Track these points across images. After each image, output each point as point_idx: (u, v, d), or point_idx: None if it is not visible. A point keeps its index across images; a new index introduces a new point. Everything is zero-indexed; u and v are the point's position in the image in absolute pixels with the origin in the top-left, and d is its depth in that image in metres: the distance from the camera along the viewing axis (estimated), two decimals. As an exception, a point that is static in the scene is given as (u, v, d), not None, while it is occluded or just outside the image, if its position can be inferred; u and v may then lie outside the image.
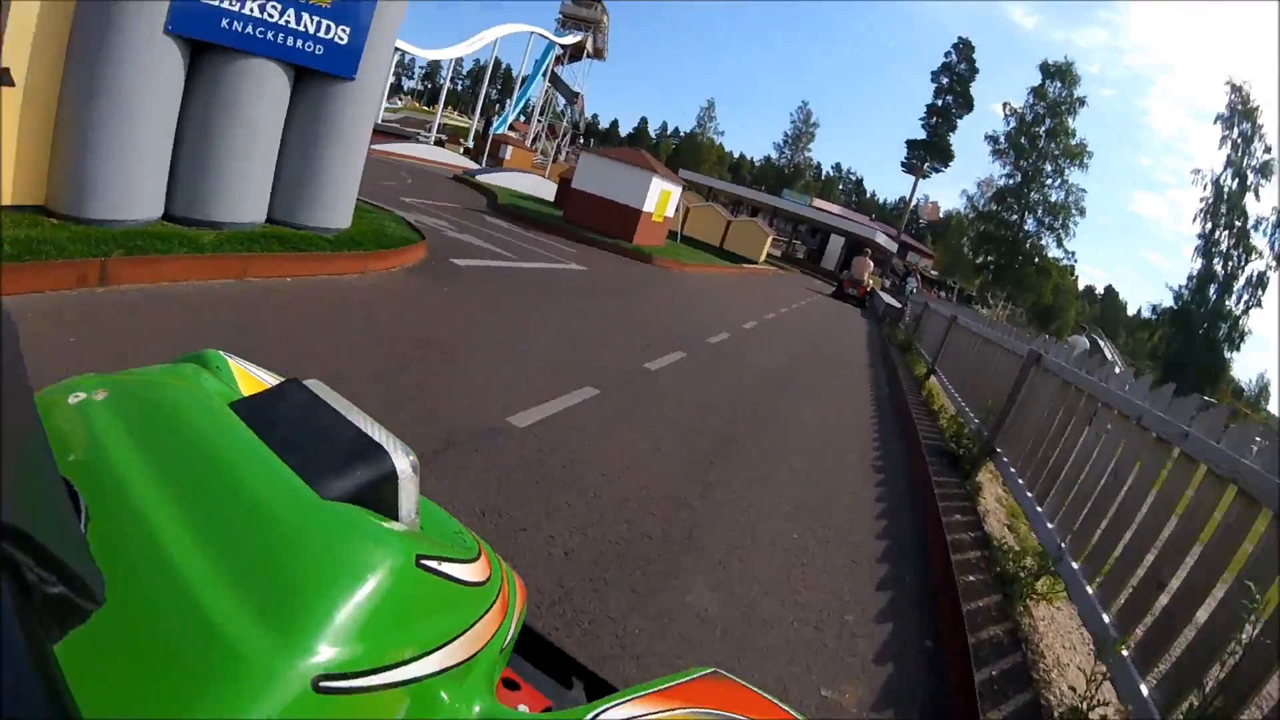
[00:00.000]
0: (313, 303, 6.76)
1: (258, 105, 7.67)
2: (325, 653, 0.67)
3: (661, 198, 22.99)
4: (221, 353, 1.23)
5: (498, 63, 79.24)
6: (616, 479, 4.70)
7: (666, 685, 1.00)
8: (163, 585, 0.69)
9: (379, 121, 40.32)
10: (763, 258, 42.43)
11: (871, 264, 38.52)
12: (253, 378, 1.22)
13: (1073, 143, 56.10)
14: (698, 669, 1.07)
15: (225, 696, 0.61)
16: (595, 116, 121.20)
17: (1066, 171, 56.42)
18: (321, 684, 0.66)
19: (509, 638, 1.07)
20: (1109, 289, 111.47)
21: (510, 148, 41.57)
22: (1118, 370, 6.08)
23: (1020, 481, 6.21)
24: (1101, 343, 51.57)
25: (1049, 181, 56.89)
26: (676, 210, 27.79)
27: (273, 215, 8.48)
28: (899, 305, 26.98)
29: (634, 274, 16.73)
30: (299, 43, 7.72)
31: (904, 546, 5.27)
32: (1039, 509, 5.48)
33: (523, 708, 1.22)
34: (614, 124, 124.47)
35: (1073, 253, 57.86)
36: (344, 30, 8.08)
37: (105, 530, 0.74)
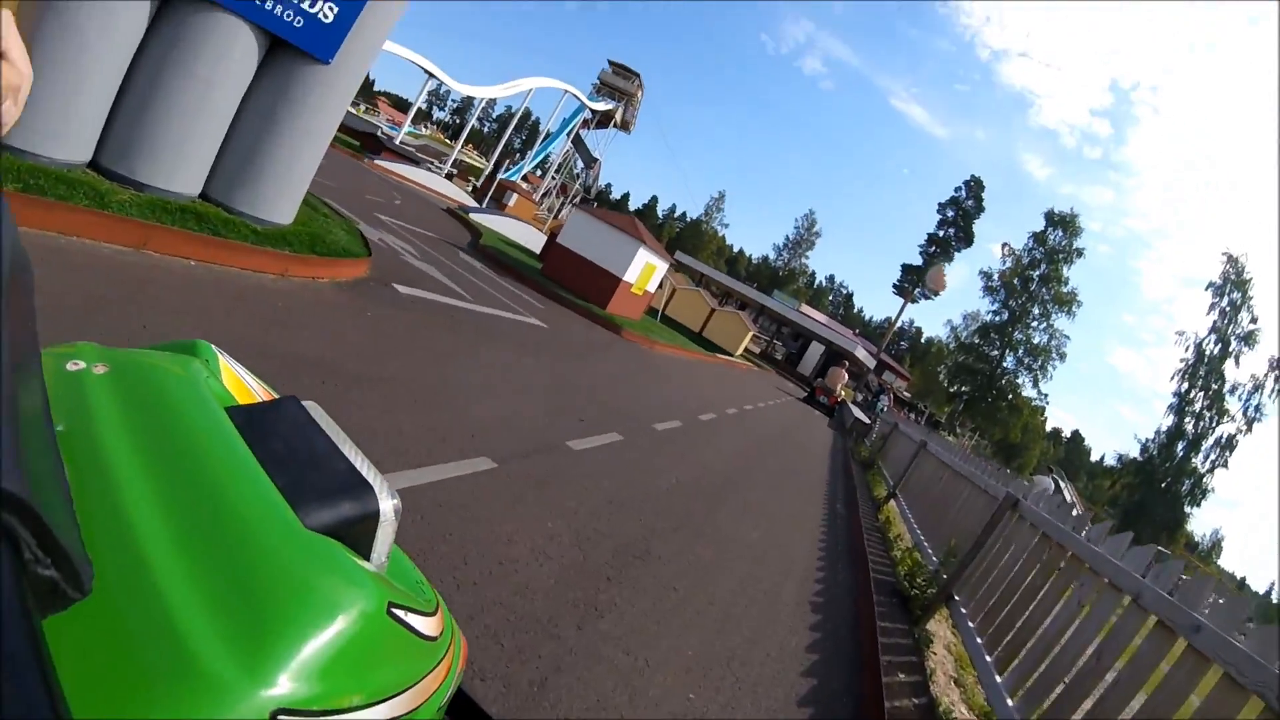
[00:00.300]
0: (201, 293, 5.66)
1: (218, 66, 6.86)
2: (288, 686, 0.63)
3: (645, 270, 21.68)
4: (213, 346, 1.15)
5: (527, 113, 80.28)
6: (473, 585, 3.47)
7: None
8: (134, 581, 0.65)
9: (398, 143, 40.24)
10: (739, 351, 41.70)
11: (846, 376, 38.63)
12: (238, 379, 1.14)
13: (1064, 290, 56.97)
14: None
15: (183, 712, 0.58)
16: (609, 185, 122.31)
17: (1053, 316, 57.14)
18: (279, 718, 0.62)
19: (447, 697, 0.99)
20: (1075, 433, 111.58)
21: (516, 195, 40.93)
22: (1076, 513, 5.48)
23: (979, 641, 5.25)
24: (1063, 484, 51.43)
25: (1034, 324, 57.49)
26: (660, 287, 27.06)
27: (208, 193, 7.56)
28: (867, 420, 26.22)
29: (596, 341, 15.43)
30: (279, 8, 6.97)
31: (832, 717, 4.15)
32: (998, 678, 4.62)
33: None
34: (625, 196, 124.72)
35: (1046, 395, 58.02)
36: (331, 7, 7.28)
37: (82, 513, 0.64)
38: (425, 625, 0.90)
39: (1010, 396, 57.32)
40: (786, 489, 10.60)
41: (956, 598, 6.19)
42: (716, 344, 39.03)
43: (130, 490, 0.73)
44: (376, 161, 30.50)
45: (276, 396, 1.09)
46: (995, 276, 59.13)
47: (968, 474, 8.27)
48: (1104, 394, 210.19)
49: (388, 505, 0.91)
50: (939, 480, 9.82)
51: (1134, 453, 52.63)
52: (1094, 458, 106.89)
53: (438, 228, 20.35)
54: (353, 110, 48.22)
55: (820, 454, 16.85)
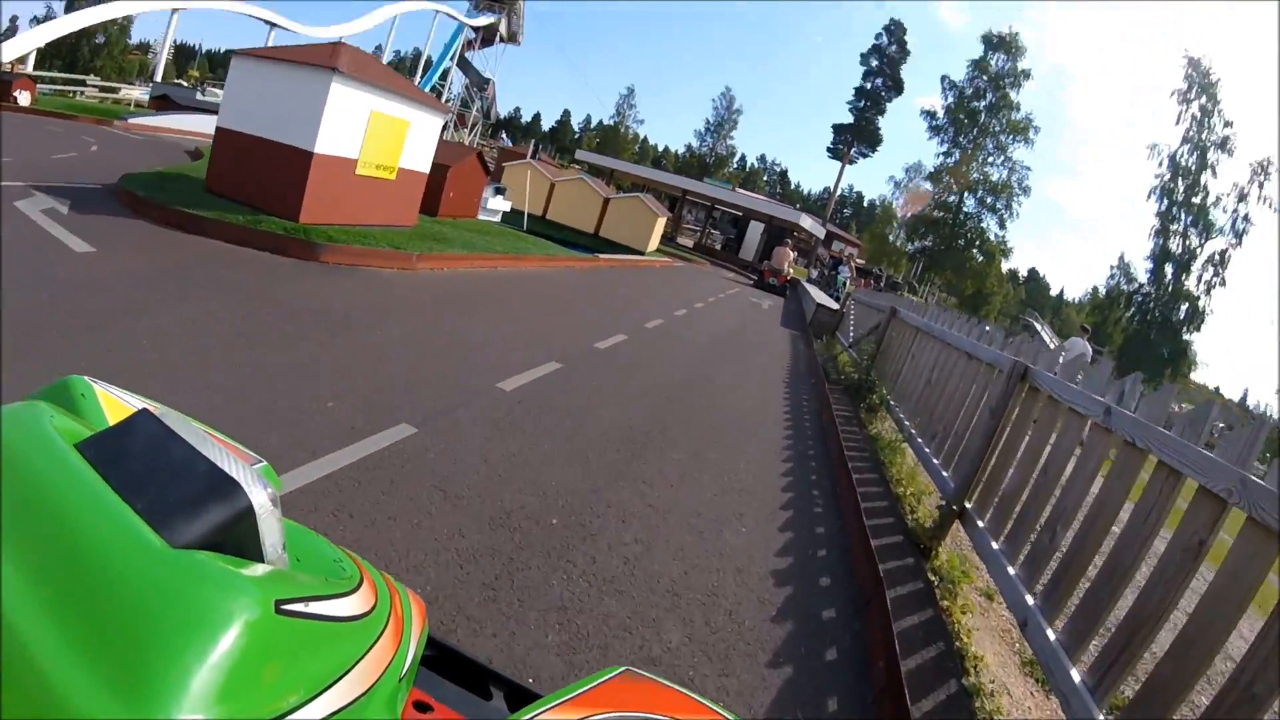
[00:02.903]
0: None
1: None
2: (185, 717, 0.55)
3: (380, 128, 10.88)
4: (86, 379, 1.03)
5: (411, 53, 71.99)
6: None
7: (583, 690, 0.94)
8: (10, 663, 0.57)
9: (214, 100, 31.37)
10: (652, 246, 30.99)
11: (793, 253, 32.31)
12: (122, 405, 1.03)
13: (1017, 117, 49.07)
14: (610, 669, 1.01)
15: None
16: (518, 110, 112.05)
17: (1010, 148, 49.49)
18: None
19: (408, 662, 0.95)
20: (1032, 271, 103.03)
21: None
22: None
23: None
24: (1038, 326, 44.75)
25: (991, 159, 49.58)
26: (477, 172, 18.08)
27: None
28: (834, 306, 18.25)
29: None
30: None
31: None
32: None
33: None
34: (536, 116, 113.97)
35: (1005, 238, 50.70)
36: None
37: None
38: (342, 606, 0.81)
39: (979, 242, 49.58)
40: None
41: None
42: (621, 243, 29.00)
43: None
44: (133, 121, 24.08)
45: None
46: (941, 114, 50.80)
47: None
48: (1046, 227, 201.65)
49: (260, 496, 0.77)
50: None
51: (1095, 284, 45.79)
52: (1053, 292, 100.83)
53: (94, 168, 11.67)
54: (183, 83, 40.49)
55: (769, 402, 8.79)
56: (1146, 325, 42.64)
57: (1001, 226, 49.49)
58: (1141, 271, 43.99)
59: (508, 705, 1.27)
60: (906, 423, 6.89)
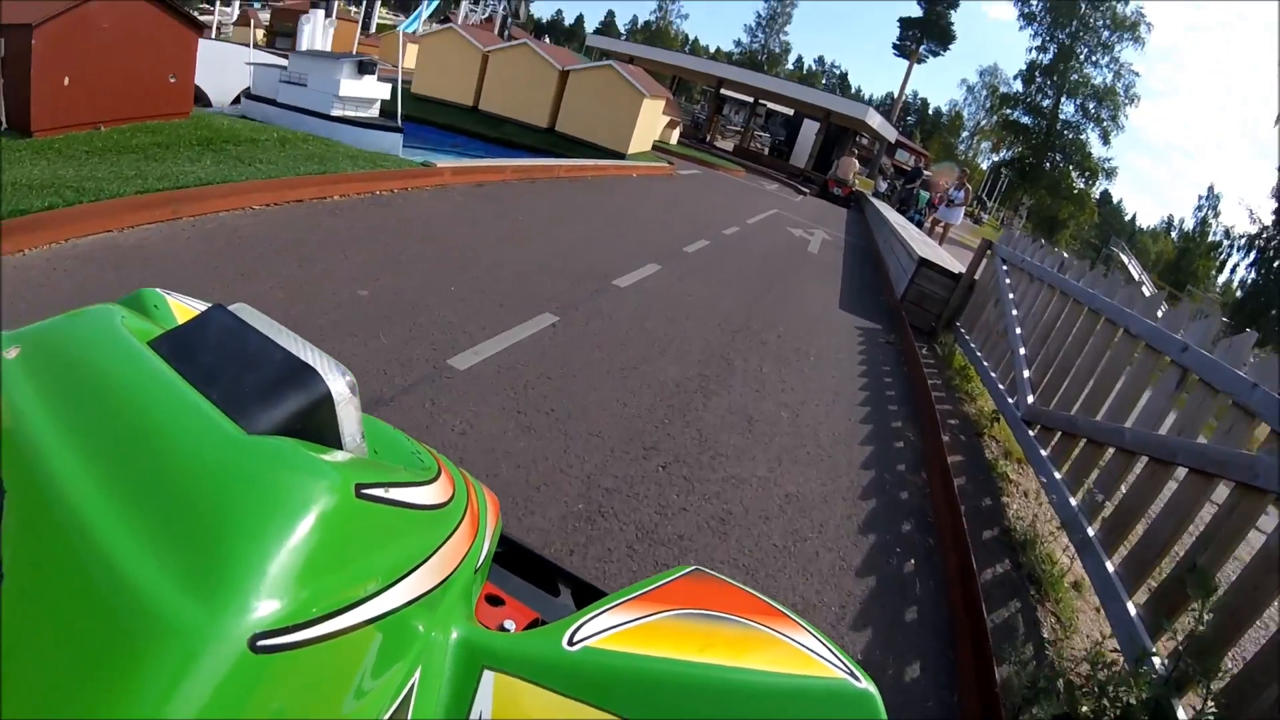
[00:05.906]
0: None
1: None
2: (261, 608, 0.54)
3: None
4: (159, 291, 1.03)
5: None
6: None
7: (651, 587, 0.92)
8: (81, 557, 0.56)
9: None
10: (639, 145, 19.00)
11: (857, 164, 27.29)
12: (194, 312, 0.99)
13: (1123, 10, 38.48)
14: (679, 568, 0.97)
15: (150, 673, 0.49)
16: (560, 13, 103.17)
17: (1116, 47, 38.99)
18: (259, 643, 0.53)
19: (483, 556, 0.94)
20: (1104, 194, 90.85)
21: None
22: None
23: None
24: (1125, 259, 36.07)
25: (1095, 58, 39.29)
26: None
27: None
28: (951, 266, 8.87)
29: None
30: None
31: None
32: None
33: (508, 623, 1.11)
34: (579, 19, 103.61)
35: (1109, 156, 40.90)
36: None
37: (25, 507, 0.60)
38: (421, 495, 0.79)
39: (1078, 158, 39.64)
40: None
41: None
42: (588, 140, 18.11)
43: (63, 467, 0.61)
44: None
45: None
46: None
47: None
48: (1119, 151, 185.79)
49: (339, 384, 0.75)
50: None
51: (1173, 212, 36.28)
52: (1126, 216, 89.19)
53: None
54: None
55: None
56: (1269, 276, 33.28)
57: (1105, 141, 39.78)
58: (1266, 212, 34.42)
59: (575, 602, 1.25)
60: None
